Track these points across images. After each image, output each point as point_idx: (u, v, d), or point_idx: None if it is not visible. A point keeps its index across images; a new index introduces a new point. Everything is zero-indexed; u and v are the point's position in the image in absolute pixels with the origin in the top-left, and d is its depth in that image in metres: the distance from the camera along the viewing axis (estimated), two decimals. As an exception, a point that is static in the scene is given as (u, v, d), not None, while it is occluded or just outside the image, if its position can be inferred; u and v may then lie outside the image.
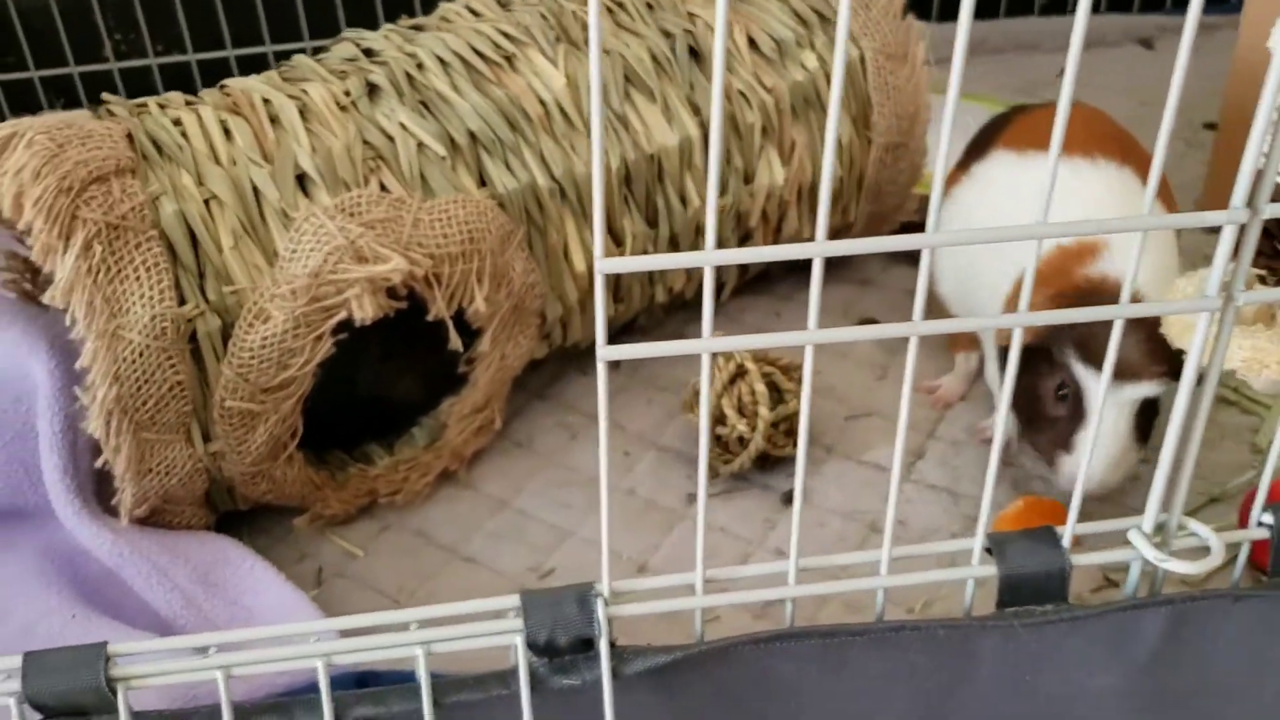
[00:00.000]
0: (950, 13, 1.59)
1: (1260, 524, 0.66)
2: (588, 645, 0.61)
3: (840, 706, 0.66)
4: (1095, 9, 1.62)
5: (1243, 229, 0.55)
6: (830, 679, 0.65)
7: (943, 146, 0.51)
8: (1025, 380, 0.82)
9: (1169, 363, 0.78)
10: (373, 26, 1.00)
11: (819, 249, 0.53)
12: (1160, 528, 0.65)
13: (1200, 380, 0.60)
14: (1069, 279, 0.82)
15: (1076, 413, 0.80)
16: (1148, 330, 0.78)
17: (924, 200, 1.14)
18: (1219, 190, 0.94)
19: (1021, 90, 1.44)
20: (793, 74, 0.99)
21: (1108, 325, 0.74)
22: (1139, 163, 0.90)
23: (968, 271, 0.93)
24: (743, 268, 1.06)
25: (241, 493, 0.85)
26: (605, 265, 0.52)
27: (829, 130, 0.48)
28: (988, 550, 0.64)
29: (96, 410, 0.76)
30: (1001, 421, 0.62)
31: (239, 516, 0.89)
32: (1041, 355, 0.82)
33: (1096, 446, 0.78)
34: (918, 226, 1.14)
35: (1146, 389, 0.78)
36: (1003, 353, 0.85)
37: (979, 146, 0.98)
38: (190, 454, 0.80)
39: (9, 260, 0.92)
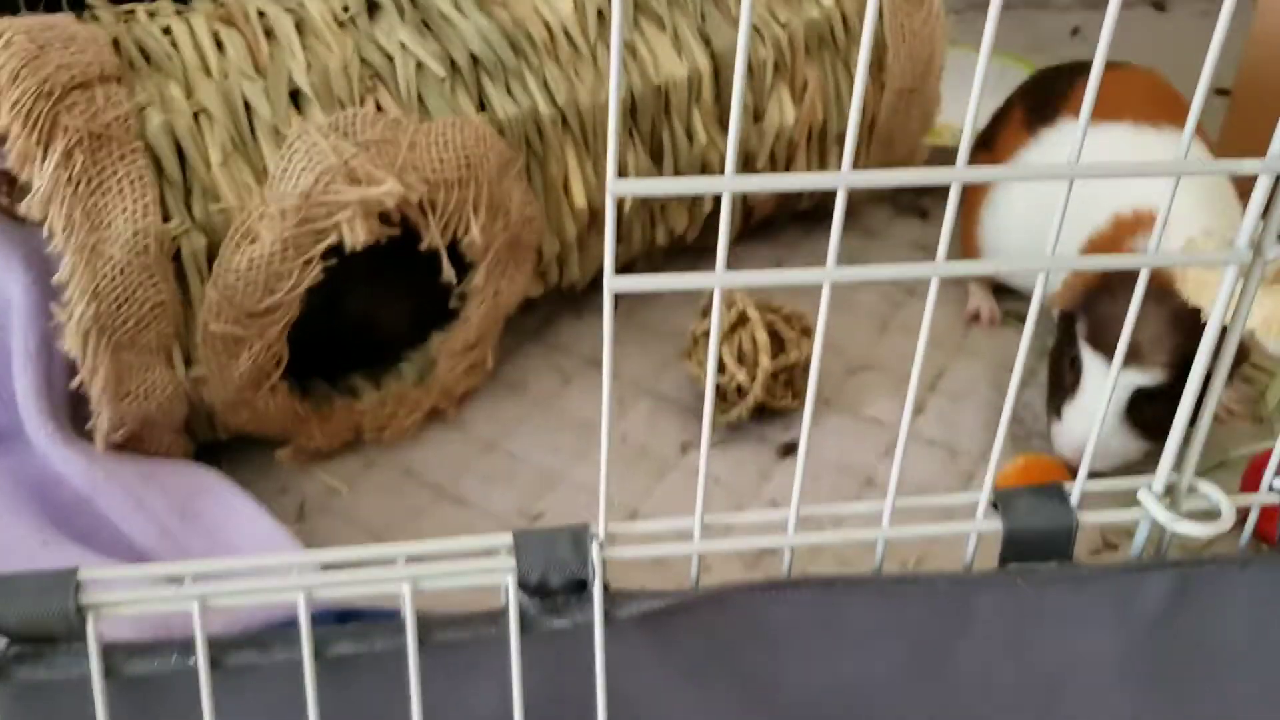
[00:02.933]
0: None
1: (1272, 488, 0.64)
2: (580, 587, 0.59)
3: (835, 658, 0.64)
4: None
5: (1277, 180, 0.53)
6: (826, 631, 0.63)
7: (973, 104, 0.49)
8: (1055, 344, 0.85)
9: (1175, 354, 0.76)
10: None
11: (844, 179, 0.50)
12: (1170, 489, 0.63)
13: (1222, 338, 0.58)
14: (1122, 250, 0.81)
15: (1075, 384, 0.81)
16: (1166, 316, 0.76)
17: (935, 151, 1.11)
18: (1232, 155, 0.92)
19: (1032, 47, 1.41)
20: (808, 10, 0.96)
21: (1121, 306, 0.71)
22: (1203, 133, 0.90)
23: (1034, 238, 0.92)
24: (746, 214, 1.04)
25: (222, 421, 0.82)
26: (618, 187, 0.49)
27: (863, 51, 0.45)
28: (993, 505, 0.62)
29: (74, 328, 0.73)
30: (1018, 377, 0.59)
31: (219, 446, 0.86)
32: (1068, 322, 0.83)
33: (1079, 417, 0.80)
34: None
35: (1143, 377, 0.77)
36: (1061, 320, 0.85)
37: (1041, 109, 0.95)
38: (171, 378, 0.77)
39: (-14, 172, 0.89)
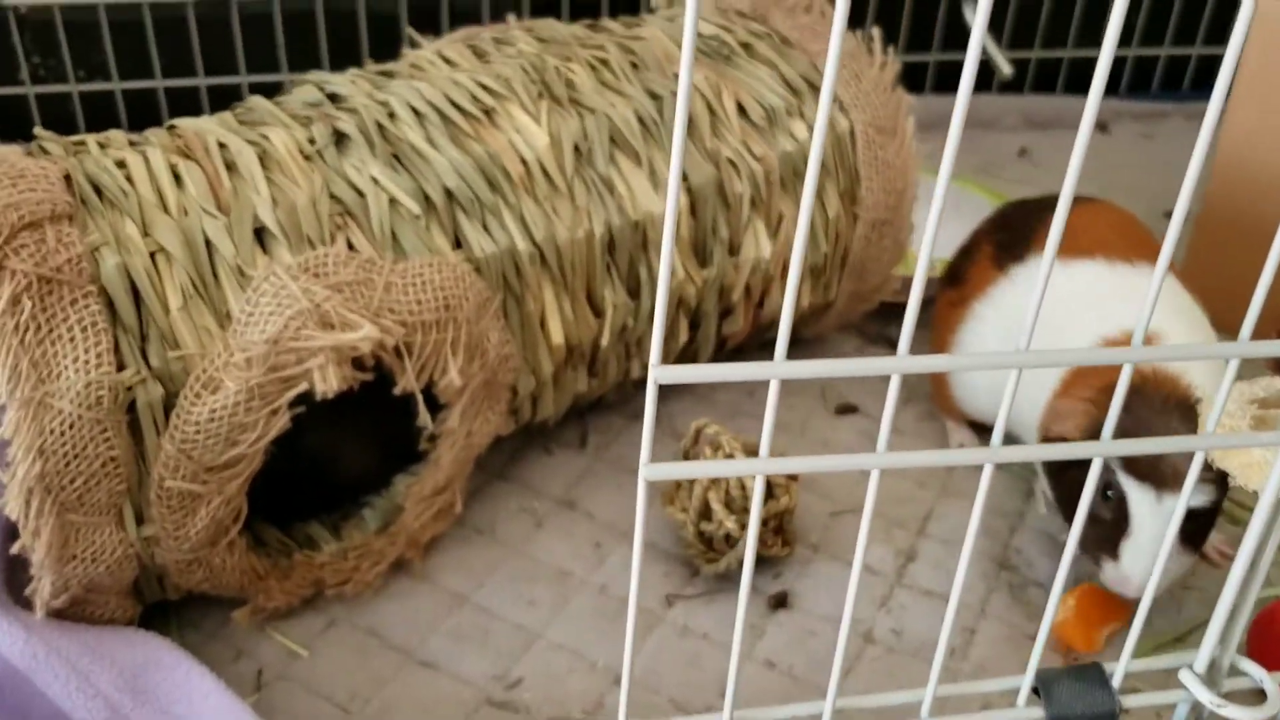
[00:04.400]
0: (910, 85, 1.56)
1: (1319, 664, 0.61)
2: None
3: None
4: (1050, 89, 1.61)
5: (1340, 355, 0.50)
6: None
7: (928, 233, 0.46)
8: (1074, 474, 0.79)
9: (1217, 469, 0.74)
10: (315, 65, 0.92)
11: (897, 364, 0.46)
12: (1212, 665, 0.59)
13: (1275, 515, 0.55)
14: (1116, 372, 0.78)
15: (1121, 518, 0.76)
16: (1196, 429, 0.74)
17: (905, 280, 1.09)
18: (1198, 281, 0.91)
19: (980, 169, 1.42)
20: (782, 144, 0.94)
21: (1152, 426, 0.69)
22: (1172, 266, 0.89)
23: (1003, 378, 0.89)
24: (720, 342, 1.00)
25: (174, 581, 0.76)
26: (662, 374, 0.45)
27: (802, 211, 0.42)
28: (1034, 691, 0.58)
29: (16, 488, 0.66)
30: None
31: (168, 607, 0.79)
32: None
33: (1141, 556, 0.75)
34: (897, 307, 1.09)
35: (1195, 497, 0.74)
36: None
37: (1011, 245, 0.94)
38: (121, 538, 0.71)
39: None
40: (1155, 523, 0.75)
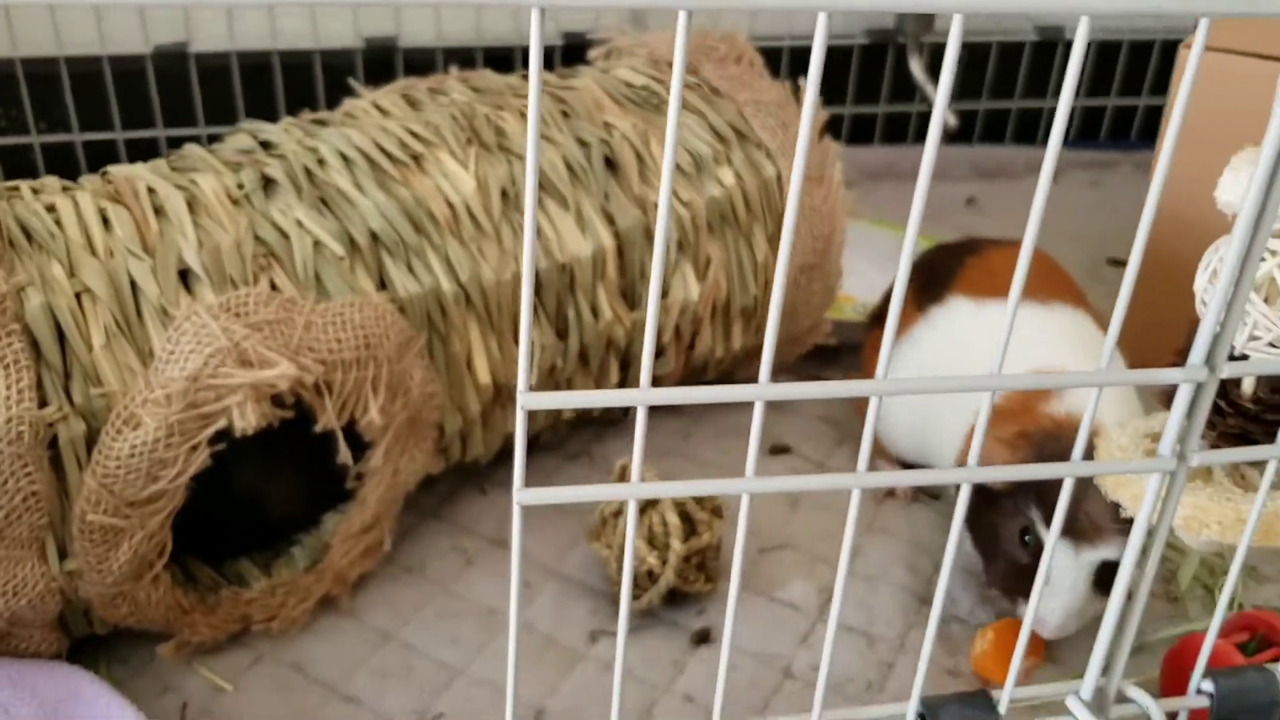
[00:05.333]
0: (859, 137, 1.59)
1: (1200, 691, 0.62)
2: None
3: None
4: (999, 140, 1.65)
5: (1199, 388, 0.52)
6: None
7: (900, 280, 0.48)
8: (989, 517, 0.81)
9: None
10: (272, 115, 0.94)
11: (761, 391, 0.48)
12: (1099, 692, 0.61)
13: (1148, 542, 0.57)
14: (1032, 415, 0.80)
15: (1036, 566, 0.77)
16: None
17: (836, 324, 1.11)
18: (1148, 335, 0.94)
19: (928, 217, 1.43)
20: (710, 189, 0.96)
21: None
22: (1087, 305, 0.91)
23: (923, 416, 0.91)
24: (653, 384, 1.02)
25: (100, 615, 0.77)
26: (529, 400, 0.46)
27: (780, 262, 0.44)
28: (921, 716, 0.59)
29: (-65, 523, 0.67)
30: (946, 574, 0.57)
31: (95, 642, 0.80)
32: (1006, 495, 0.81)
33: (1057, 601, 0.78)
34: (830, 350, 1.11)
35: (1109, 551, 0.76)
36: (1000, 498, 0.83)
37: (931, 287, 0.96)
38: (43, 572, 0.72)
39: None
40: (1072, 574, 0.77)
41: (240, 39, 1.39)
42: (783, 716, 0.59)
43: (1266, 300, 0.59)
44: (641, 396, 0.48)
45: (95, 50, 1.36)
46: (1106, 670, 0.60)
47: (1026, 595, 0.80)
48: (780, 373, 1.13)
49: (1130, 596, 0.58)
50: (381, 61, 1.42)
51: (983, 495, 0.82)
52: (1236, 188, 0.58)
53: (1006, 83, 1.61)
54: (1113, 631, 0.59)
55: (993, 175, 1.58)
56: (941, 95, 0.44)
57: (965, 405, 0.85)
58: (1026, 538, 0.80)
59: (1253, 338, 0.59)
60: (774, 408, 1.08)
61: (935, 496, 0.99)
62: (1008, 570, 0.82)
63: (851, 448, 1.04)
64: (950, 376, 0.81)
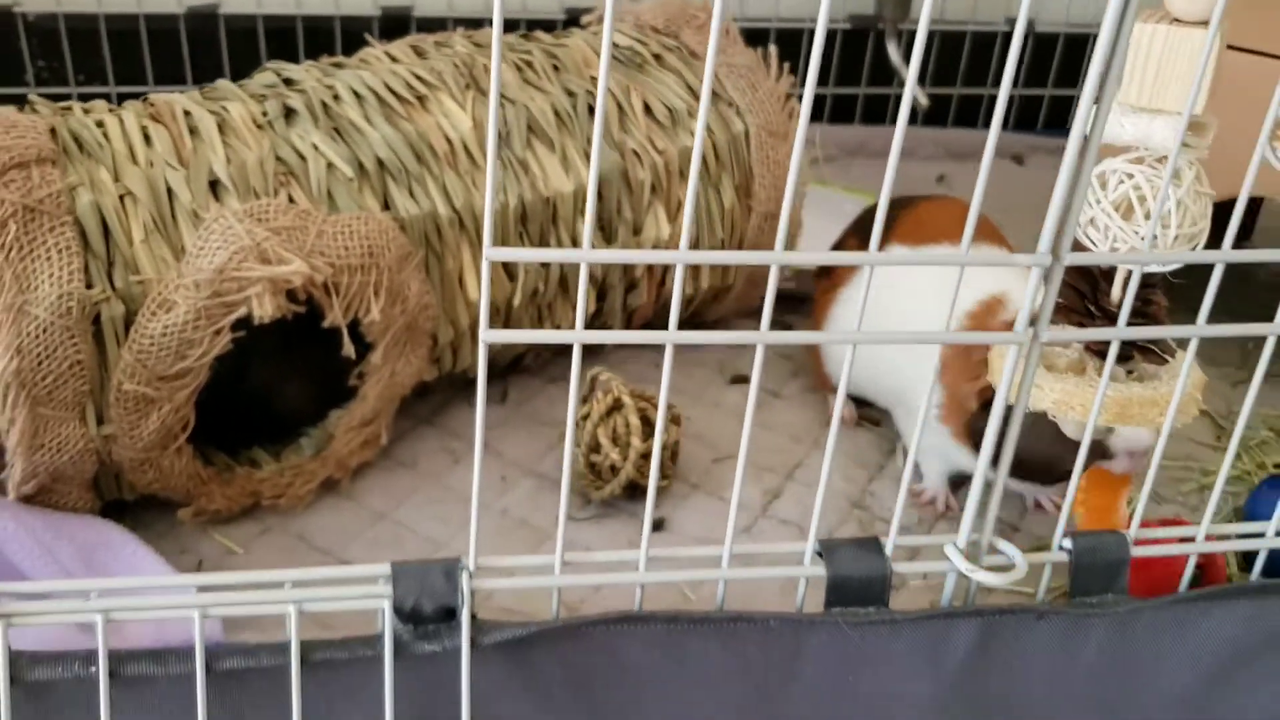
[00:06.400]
0: (840, 116, 1.71)
1: (1061, 548, 0.73)
2: (450, 615, 0.66)
3: (680, 696, 0.71)
4: (971, 124, 1.76)
5: (1047, 273, 0.63)
6: (672, 667, 0.70)
7: (876, 232, 0.59)
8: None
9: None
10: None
11: (670, 337, 0.60)
12: (975, 546, 0.72)
13: (1009, 410, 0.68)
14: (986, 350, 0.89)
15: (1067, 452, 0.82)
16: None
17: (801, 274, 1.23)
18: None
19: (900, 190, 1.55)
20: (682, 139, 1.08)
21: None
22: (1009, 245, 1.03)
23: (865, 351, 1.01)
24: (628, 317, 1.13)
25: (129, 480, 0.88)
26: (489, 336, 0.58)
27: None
28: (819, 554, 0.70)
29: (-4, 382, 0.79)
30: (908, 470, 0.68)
31: (123, 508, 0.92)
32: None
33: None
34: (795, 297, 1.22)
35: None
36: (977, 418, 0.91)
37: (870, 237, 1.07)
38: (83, 433, 0.83)
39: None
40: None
41: (267, 4, 1.51)
42: (702, 546, 0.70)
43: (1124, 217, 0.70)
44: (577, 336, 0.60)
45: (133, 9, 1.47)
46: (979, 528, 0.71)
47: (1065, 473, 0.83)
48: (747, 316, 1.24)
49: (996, 460, 0.69)
50: (397, 31, 1.53)
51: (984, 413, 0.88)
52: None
53: (979, 71, 1.72)
54: (979, 491, 0.70)
55: (963, 156, 1.69)
56: (912, 75, 0.55)
57: (935, 326, 0.93)
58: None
59: (1113, 248, 0.70)
60: (736, 348, 1.19)
61: (876, 423, 1.10)
62: (1050, 456, 0.85)
63: (805, 380, 1.15)
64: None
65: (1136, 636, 0.74)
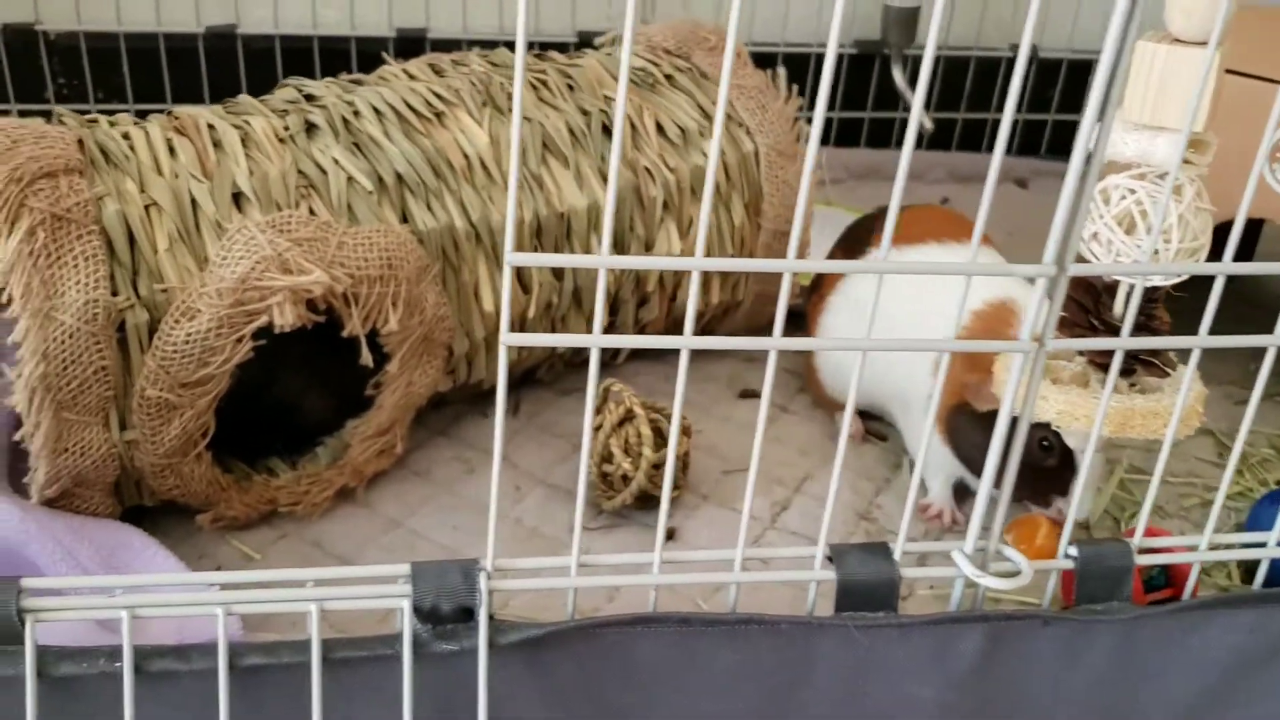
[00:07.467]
0: (846, 139, 1.73)
1: (1067, 555, 0.75)
2: (468, 615, 0.67)
3: (691, 697, 0.73)
4: (975, 148, 1.78)
5: (1053, 283, 0.65)
6: (684, 669, 0.72)
7: (884, 244, 0.61)
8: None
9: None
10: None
11: (685, 341, 0.61)
12: (981, 552, 0.73)
13: (1015, 420, 0.69)
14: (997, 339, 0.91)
15: (1067, 461, 0.88)
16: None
17: (803, 288, 1.24)
18: None
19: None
20: (694, 159, 1.10)
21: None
22: (993, 245, 1.06)
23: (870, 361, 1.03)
24: (640, 329, 1.15)
25: (150, 485, 0.90)
26: (510, 339, 0.60)
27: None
28: (829, 559, 0.72)
29: (22, 385, 0.81)
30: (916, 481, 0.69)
31: (141, 513, 0.93)
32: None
33: (1087, 490, 0.87)
34: (799, 311, 1.24)
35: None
36: (957, 416, 0.93)
37: (854, 248, 1.10)
38: (106, 438, 0.85)
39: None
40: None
41: (284, 25, 1.54)
42: (716, 550, 0.71)
43: (1127, 231, 0.72)
44: (594, 340, 0.62)
45: (152, 28, 1.50)
46: (986, 535, 0.73)
47: (1047, 495, 0.90)
48: (757, 330, 1.26)
49: (1002, 467, 0.71)
50: (412, 51, 1.55)
51: (985, 421, 0.86)
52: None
53: (984, 95, 1.74)
54: (984, 502, 0.71)
55: (967, 179, 1.71)
56: (918, 99, 0.57)
57: (937, 332, 0.93)
58: (1045, 443, 0.88)
59: (1117, 261, 0.72)
60: (745, 359, 1.21)
61: (883, 438, 1.11)
62: (1031, 477, 0.89)
63: (810, 393, 1.17)
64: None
65: (1141, 643, 0.75)
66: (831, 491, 0.69)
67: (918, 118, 0.58)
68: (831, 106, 1.70)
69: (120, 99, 1.53)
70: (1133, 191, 0.71)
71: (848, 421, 0.68)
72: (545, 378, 1.15)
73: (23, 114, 1.49)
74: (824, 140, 1.71)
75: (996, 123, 1.75)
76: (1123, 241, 0.71)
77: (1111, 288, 0.77)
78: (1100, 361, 0.78)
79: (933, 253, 1.02)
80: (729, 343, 0.65)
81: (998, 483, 0.71)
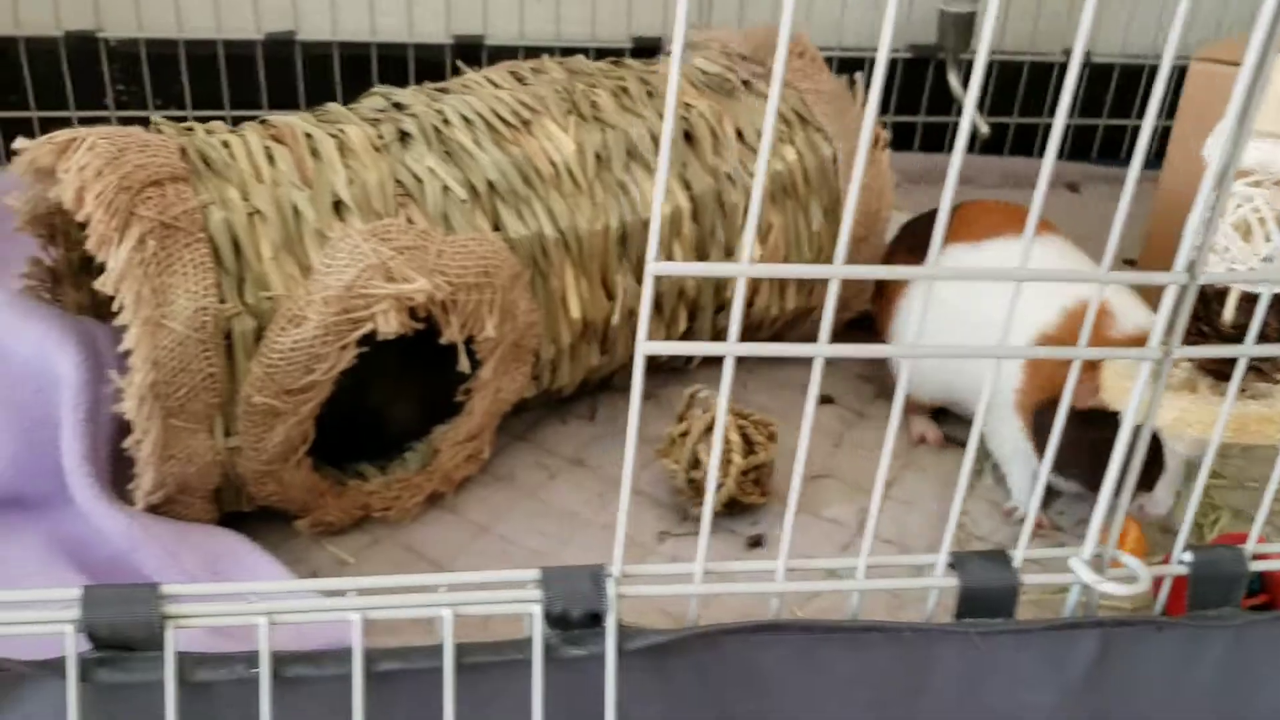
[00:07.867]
0: (901, 143, 1.73)
1: (1180, 561, 0.75)
2: (596, 620, 0.68)
3: (810, 705, 0.73)
4: (1028, 153, 1.78)
5: (1182, 291, 0.65)
6: (805, 677, 0.72)
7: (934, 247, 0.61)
8: (1083, 433, 0.82)
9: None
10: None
11: (820, 350, 0.62)
12: (1098, 558, 0.73)
13: (1138, 428, 0.70)
14: (1094, 340, 0.90)
15: (1155, 457, 0.88)
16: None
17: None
18: None
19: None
20: (774, 164, 1.10)
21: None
22: (1058, 230, 1.07)
23: (960, 366, 1.03)
24: (716, 335, 1.15)
25: (250, 491, 0.90)
26: (648, 347, 0.60)
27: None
28: (951, 565, 0.72)
29: (132, 393, 0.81)
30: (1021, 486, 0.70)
31: (239, 519, 0.94)
32: (1100, 412, 0.84)
33: (1167, 487, 0.90)
34: (869, 315, 1.24)
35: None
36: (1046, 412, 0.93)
37: (921, 246, 1.10)
38: (211, 445, 0.86)
39: (32, 267, 0.98)
40: (1174, 461, 0.89)
41: (341, 32, 1.54)
42: (839, 558, 0.71)
43: (1244, 239, 0.72)
44: (730, 348, 0.62)
45: (212, 35, 1.51)
46: (1104, 540, 0.73)
47: (1147, 488, 0.91)
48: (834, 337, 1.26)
49: (1123, 476, 0.71)
50: (469, 58, 1.56)
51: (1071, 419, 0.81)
52: (1215, 146, 0.71)
53: (1037, 100, 1.74)
54: (1105, 507, 0.71)
55: (1020, 183, 1.71)
56: (970, 102, 0.57)
57: (1017, 330, 0.92)
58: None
59: (1231, 269, 0.72)
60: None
61: (964, 444, 1.12)
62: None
63: (887, 399, 1.17)
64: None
65: (1253, 649, 0.75)
66: (958, 497, 0.70)
67: (970, 120, 0.58)
68: (885, 110, 1.71)
69: (178, 105, 1.53)
70: (1250, 199, 0.71)
71: (896, 419, 0.69)
72: (619, 384, 1.16)
73: (82, 122, 1.50)
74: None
75: (1049, 127, 1.76)
76: (1239, 248, 0.71)
77: (1221, 294, 0.77)
78: (1210, 368, 0.78)
79: (1005, 247, 1.02)
80: (772, 349, 0.65)
81: (1117, 490, 0.71)
